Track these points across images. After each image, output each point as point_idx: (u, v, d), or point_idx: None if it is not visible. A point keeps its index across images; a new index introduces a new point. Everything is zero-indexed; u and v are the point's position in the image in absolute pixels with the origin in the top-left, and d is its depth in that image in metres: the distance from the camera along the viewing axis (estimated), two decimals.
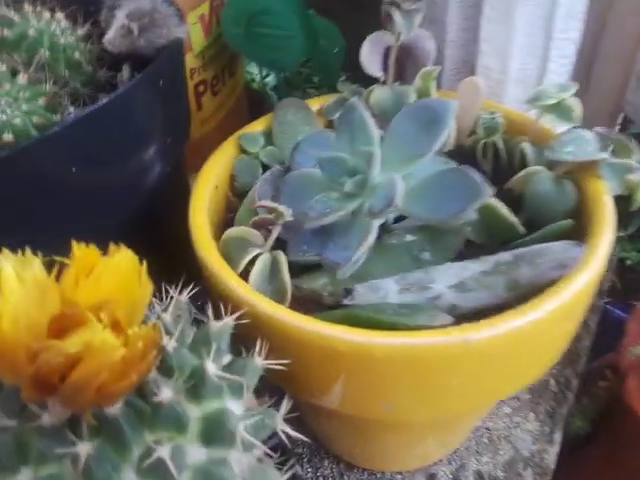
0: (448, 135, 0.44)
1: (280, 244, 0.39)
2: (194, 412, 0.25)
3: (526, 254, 0.33)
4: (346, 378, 0.32)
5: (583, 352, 0.58)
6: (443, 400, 0.32)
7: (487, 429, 0.50)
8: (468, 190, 0.35)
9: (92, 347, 0.19)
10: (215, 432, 0.24)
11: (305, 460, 0.49)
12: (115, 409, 0.23)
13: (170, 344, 0.25)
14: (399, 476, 0.47)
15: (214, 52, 0.64)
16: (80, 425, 0.22)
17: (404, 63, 0.49)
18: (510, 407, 0.52)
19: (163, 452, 0.22)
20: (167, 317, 0.27)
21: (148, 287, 0.24)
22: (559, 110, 0.40)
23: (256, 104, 0.78)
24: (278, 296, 0.36)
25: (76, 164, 0.34)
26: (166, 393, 0.23)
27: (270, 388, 0.38)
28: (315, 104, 0.49)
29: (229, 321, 0.29)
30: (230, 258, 0.37)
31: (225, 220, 0.43)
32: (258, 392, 0.31)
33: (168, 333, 0.27)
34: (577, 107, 0.40)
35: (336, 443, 0.48)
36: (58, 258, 0.23)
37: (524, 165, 0.41)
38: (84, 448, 0.22)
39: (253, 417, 0.26)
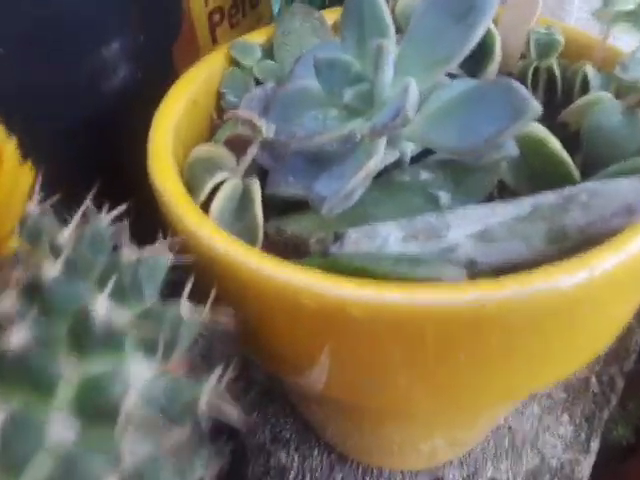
0: (491, 58, 0.35)
1: (266, 177, 0.32)
2: (72, 370, 0.17)
3: (579, 193, 0.24)
4: (319, 347, 0.24)
5: (633, 348, 0.49)
6: (447, 384, 0.24)
7: (509, 429, 0.42)
8: (508, 107, 0.26)
9: None
10: (92, 402, 0.17)
11: (292, 447, 0.42)
12: None
13: (49, 269, 0.18)
14: (399, 475, 0.39)
15: None
16: None
17: None
18: (540, 406, 0.43)
19: None
20: (62, 236, 0.19)
21: (19, 178, 0.17)
22: (638, 18, 0.30)
23: None
24: (247, 237, 0.28)
25: (3, 44, 0.26)
26: (17, 336, 0.16)
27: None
28: (331, 16, 0.40)
29: (157, 250, 0.21)
30: (193, 184, 0.29)
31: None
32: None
33: (56, 256, 0.19)
34: None
35: (329, 431, 0.40)
36: None
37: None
38: None
39: (159, 384, 0.18)
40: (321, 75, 0.29)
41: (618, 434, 0.52)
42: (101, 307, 0.17)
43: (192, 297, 0.23)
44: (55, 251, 0.19)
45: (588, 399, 0.45)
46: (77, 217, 0.20)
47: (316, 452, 0.41)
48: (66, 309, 0.18)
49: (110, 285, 0.18)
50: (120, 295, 0.19)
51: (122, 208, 0.22)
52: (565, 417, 0.44)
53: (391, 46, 0.26)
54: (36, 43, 0.28)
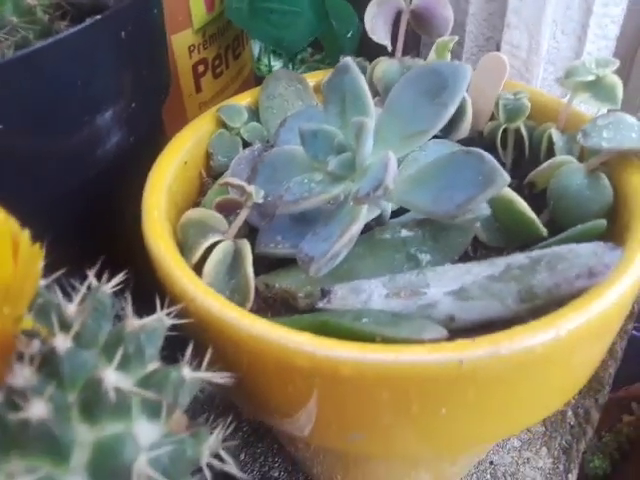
0: (462, 118, 0.38)
1: (253, 235, 0.33)
2: (85, 435, 0.19)
3: (545, 257, 0.26)
4: (309, 400, 0.25)
5: (607, 381, 0.51)
6: (429, 435, 0.26)
7: (491, 463, 0.44)
8: (479, 176, 0.28)
9: None
10: (106, 465, 0.18)
11: None
12: None
13: (61, 343, 0.19)
14: None
15: (217, 30, 0.59)
16: None
17: (418, 38, 0.42)
18: (520, 440, 0.45)
19: None
20: (70, 308, 0.21)
21: (32, 265, 0.18)
22: (597, 88, 0.33)
23: None
24: (239, 294, 0.30)
25: (3, 120, 0.28)
26: (37, 408, 0.17)
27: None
28: (313, 79, 0.43)
29: (157, 318, 0.23)
30: (186, 246, 0.31)
31: (195, 204, 0.37)
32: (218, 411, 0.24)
33: (66, 329, 0.20)
34: (618, 85, 0.33)
35: (315, 469, 0.41)
36: None
37: (551, 156, 0.35)
38: None
39: (167, 446, 0.19)
40: (306, 143, 0.31)
41: (595, 465, 0.53)
42: (110, 376, 0.19)
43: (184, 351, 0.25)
44: (64, 324, 0.20)
45: (565, 431, 0.47)
46: (82, 291, 0.22)
47: None
48: (78, 378, 0.19)
49: (118, 355, 0.20)
50: (124, 362, 0.21)
51: (121, 277, 0.24)
52: (544, 450, 0.46)
53: (371, 122, 0.28)
54: (34, 116, 0.29)
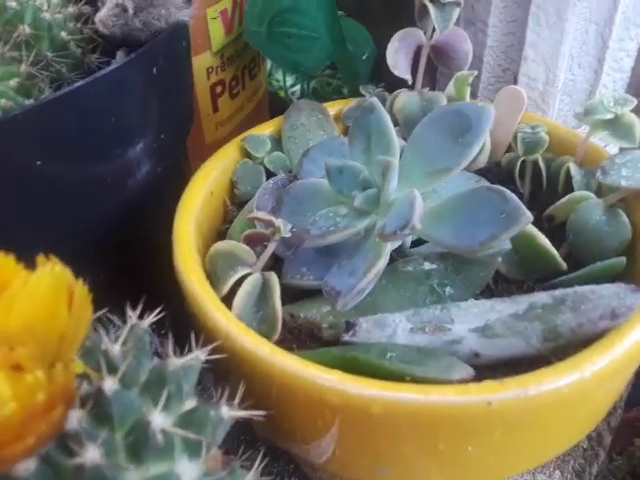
0: (481, 149, 0.39)
1: (278, 265, 0.34)
2: (132, 475, 0.19)
3: (569, 297, 0.27)
4: (337, 434, 0.26)
5: (619, 404, 0.51)
6: (455, 470, 0.26)
7: None
8: (502, 214, 0.29)
9: None
10: None
11: None
12: (23, 469, 0.18)
13: (110, 386, 0.20)
14: None
15: (234, 52, 0.60)
16: None
17: (434, 67, 0.43)
18: None
19: None
20: (115, 349, 0.22)
21: (84, 313, 0.19)
22: (615, 127, 0.34)
23: (281, 113, 0.74)
24: (266, 326, 0.30)
25: (40, 157, 0.29)
26: (91, 453, 0.18)
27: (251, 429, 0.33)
28: (334, 108, 0.44)
29: (195, 357, 0.23)
30: (215, 277, 0.32)
31: (220, 232, 0.38)
32: (235, 435, 0.25)
33: (113, 370, 0.21)
34: (637, 124, 0.34)
35: None
36: None
37: (569, 189, 0.35)
38: None
39: None
40: (332, 178, 0.32)
41: None
42: (157, 419, 0.20)
43: (215, 384, 0.25)
44: (110, 366, 0.21)
45: (578, 455, 0.47)
46: (127, 331, 0.23)
47: None
48: (126, 420, 0.20)
49: (164, 397, 0.20)
50: (166, 401, 0.22)
51: (160, 314, 0.25)
52: (557, 473, 0.46)
53: (396, 161, 0.29)
54: (70, 150, 0.30)
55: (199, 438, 0.21)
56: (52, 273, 0.18)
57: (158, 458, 0.20)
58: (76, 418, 0.19)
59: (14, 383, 0.15)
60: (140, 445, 0.20)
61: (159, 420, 0.20)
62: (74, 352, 0.19)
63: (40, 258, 0.18)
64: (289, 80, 0.84)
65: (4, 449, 0.15)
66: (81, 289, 0.19)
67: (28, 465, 0.17)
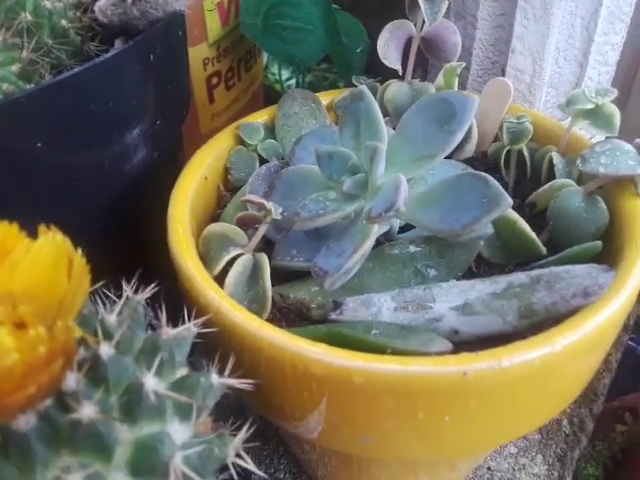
0: (468, 139, 0.40)
1: (269, 247, 0.35)
2: (126, 434, 0.21)
3: (544, 276, 0.28)
4: (322, 406, 0.27)
5: (601, 391, 0.53)
6: (433, 440, 0.28)
7: (488, 469, 0.46)
8: (484, 199, 0.30)
9: None
10: (146, 461, 0.20)
11: None
12: (24, 423, 0.19)
13: (106, 350, 0.21)
14: None
15: (230, 43, 0.61)
16: None
17: (426, 60, 0.45)
18: (516, 447, 0.47)
19: None
20: (110, 318, 0.23)
21: (82, 281, 0.20)
22: (596, 116, 0.35)
23: None
24: (257, 304, 0.32)
25: (41, 139, 0.30)
26: (87, 409, 0.19)
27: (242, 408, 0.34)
28: (326, 98, 0.45)
29: (188, 328, 0.25)
30: (208, 258, 0.33)
31: (214, 216, 0.39)
32: (226, 413, 0.26)
33: (109, 337, 0.22)
34: (616, 114, 0.35)
35: (320, 471, 0.43)
36: None
37: (552, 178, 0.37)
38: None
39: (197, 446, 0.21)
40: (322, 163, 0.33)
41: (588, 472, 0.55)
42: (150, 381, 0.21)
43: (206, 357, 0.27)
44: (106, 333, 0.23)
45: (560, 440, 0.49)
46: (122, 302, 0.24)
47: None
48: (121, 383, 0.21)
49: (157, 362, 0.22)
50: (159, 368, 0.23)
51: (154, 289, 0.26)
52: (539, 457, 0.48)
53: (383, 146, 0.30)
54: (69, 134, 0.31)
55: (190, 401, 0.22)
56: (53, 241, 0.19)
57: (151, 419, 0.21)
58: (73, 379, 0.20)
59: (17, 337, 0.16)
60: (133, 405, 0.21)
61: (152, 382, 0.21)
62: (72, 317, 0.20)
63: (41, 227, 0.20)
64: (285, 74, 0.85)
65: (7, 398, 0.16)
66: (79, 258, 0.20)
67: (29, 419, 0.19)
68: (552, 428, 0.49)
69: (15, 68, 0.33)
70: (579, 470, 0.52)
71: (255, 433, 0.49)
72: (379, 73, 0.48)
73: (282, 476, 0.45)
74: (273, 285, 0.33)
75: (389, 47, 0.40)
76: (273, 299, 0.33)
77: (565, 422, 0.50)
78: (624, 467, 0.53)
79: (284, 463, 0.46)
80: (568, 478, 0.47)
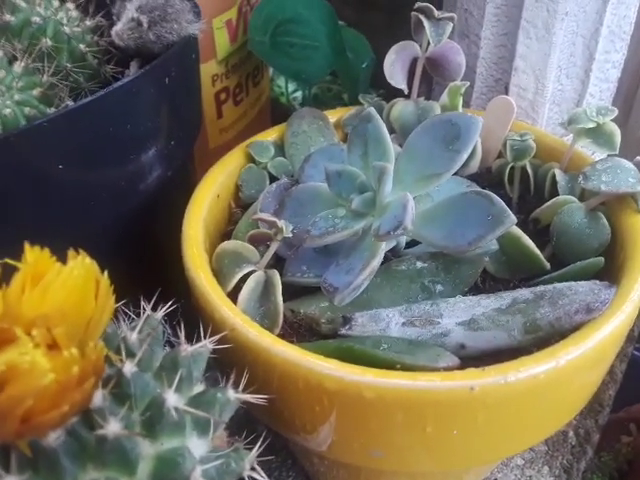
0: (473, 156, 0.41)
1: (280, 264, 0.36)
2: (147, 449, 0.22)
3: (548, 293, 0.29)
4: (333, 419, 0.28)
5: (606, 402, 0.54)
6: (442, 452, 0.29)
7: None
8: (489, 216, 0.31)
9: (17, 369, 0.17)
10: (167, 475, 0.21)
11: None
12: (54, 439, 0.20)
13: (129, 368, 0.22)
14: None
15: (239, 60, 0.62)
16: (9, 456, 0.19)
17: (431, 77, 0.46)
18: (523, 458, 0.48)
19: None
20: (132, 336, 0.24)
21: (108, 301, 0.21)
22: (597, 135, 0.36)
23: (283, 119, 0.76)
24: (269, 320, 0.33)
25: (62, 161, 0.31)
26: (113, 426, 0.20)
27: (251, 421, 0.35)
28: (334, 116, 0.46)
29: (204, 345, 0.26)
30: (222, 274, 0.34)
31: (225, 233, 0.41)
32: (236, 426, 0.27)
33: (131, 355, 0.23)
34: (617, 133, 0.36)
35: None
36: (12, 262, 0.21)
37: (555, 194, 0.38)
38: None
39: (215, 460, 0.22)
40: (331, 182, 0.34)
41: None
42: (172, 397, 0.22)
43: (221, 372, 0.28)
44: (128, 351, 0.24)
45: (566, 451, 0.49)
46: (142, 321, 0.25)
47: None
48: (143, 399, 0.22)
49: (177, 378, 0.23)
50: (178, 384, 0.24)
51: (172, 306, 0.27)
52: (545, 468, 0.48)
53: (391, 166, 0.31)
54: (89, 155, 0.33)
55: (208, 416, 0.23)
56: (82, 264, 0.20)
57: (171, 434, 0.22)
58: (100, 396, 0.21)
59: (51, 358, 0.17)
60: (155, 421, 0.22)
61: (173, 398, 0.22)
62: (99, 336, 0.21)
63: (71, 252, 0.21)
64: (291, 87, 0.86)
65: (42, 416, 0.17)
66: (105, 280, 0.21)
67: (58, 435, 0.20)
68: (558, 439, 0.50)
69: (36, 92, 0.34)
70: None
71: (264, 446, 0.50)
72: (383, 87, 0.50)
73: None
74: (284, 301, 0.34)
75: (395, 67, 0.41)
76: (284, 314, 0.34)
77: (571, 433, 0.51)
78: (630, 478, 0.54)
79: (292, 475, 0.47)
80: None
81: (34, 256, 0.20)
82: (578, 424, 0.51)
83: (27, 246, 0.20)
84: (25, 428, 0.17)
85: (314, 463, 0.41)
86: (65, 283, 0.20)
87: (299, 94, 0.85)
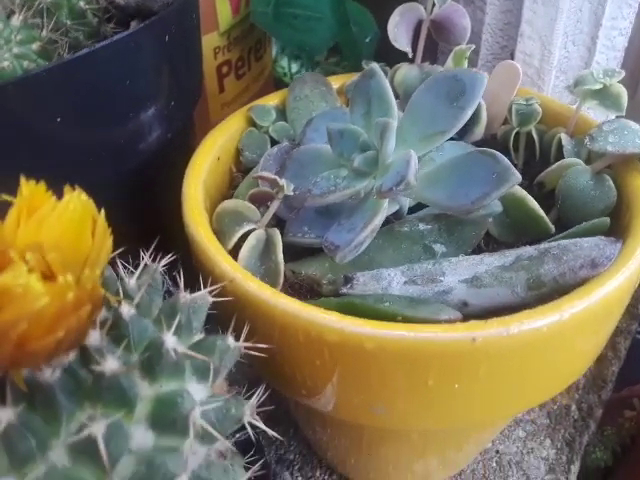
0: (478, 122, 0.41)
1: (280, 226, 0.36)
2: (146, 390, 0.21)
3: (552, 249, 0.29)
4: (334, 374, 0.28)
5: (610, 378, 0.54)
6: (443, 407, 0.28)
7: (497, 452, 0.46)
8: (493, 174, 0.30)
9: (11, 292, 0.16)
10: (166, 416, 0.21)
11: (296, 468, 0.45)
12: (50, 375, 0.20)
13: (127, 310, 0.22)
14: None
15: (241, 33, 0.61)
16: (5, 390, 0.19)
17: (435, 45, 0.45)
18: (525, 431, 0.48)
19: (96, 430, 0.19)
20: (131, 282, 0.24)
21: (105, 240, 0.21)
22: (603, 96, 0.35)
23: None
24: (269, 278, 0.32)
25: (61, 114, 0.31)
26: (110, 363, 0.20)
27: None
28: (337, 82, 0.46)
29: (203, 295, 0.25)
30: (222, 233, 0.33)
31: (226, 196, 0.40)
32: (239, 384, 0.27)
33: (129, 299, 0.23)
34: (624, 94, 0.35)
35: (330, 452, 0.44)
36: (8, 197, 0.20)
37: (560, 158, 0.37)
38: (4, 414, 0.18)
39: (215, 403, 0.22)
40: (333, 141, 0.34)
41: (597, 457, 0.55)
42: (170, 339, 0.22)
43: (221, 328, 0.27)
44: (126, 295, 0.23)
45: (569, 425, 0.49)
46: (141, 269, 0.25)
47: (318, 473, 0.45)
48: (141, 341, 0.22)
49: (176, 322, 0.22)
50: (177, 330, 0.24)
51: (171, 258, 0.27)
52: (548, 441, 0.48)
53: (394, 122, 0.31)
54: (87, 110, 0.32)
55: (207, 360, 0.23)
56: (78, 199, 0.20)
57: (170, 377, 0.22)
58: (97, 335, 0.21)
59: (46, 284, 0.17)
60: (154, 363, 0.22)
61: (172, 340, 0.22)
62: (95, 272, 0.21)
63: (67, 188, 0.20)
64: (294, 67, 0.85)
65: (38, 341, 0.17)
66: (102, 219, 0.21)
67: (54, 371, 0.19)
68: (561, 413, 0.50)
69: (35, 46, 0.33)
70: (587, 455, 0.53)
71: (265, 416, 0.50)
72: (388, 63, 0.49)
73: (292, 457, 0.46)
74: (285, 262, 0.33)
75: (399, 30, 0.40)
76: (285, 275, 0.33)
77: (574, 407, 0.51)
78: (632, 451, 0.54)
79: (294, 445, 0.47)
80: (576, 462, 0.47)
81: (29, 190, 0.20)
82: (581, 398, 0.51)
83: (22, 180, 0.20)
84: (20, 354, 0.17)
85: (317, 431, 0.41)
86: (60, 216, 0.19)
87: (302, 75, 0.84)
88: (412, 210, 0.37)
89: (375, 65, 0.33)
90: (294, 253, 0.35)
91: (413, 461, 0.40)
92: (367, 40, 0.60)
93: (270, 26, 0.57)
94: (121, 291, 0.23)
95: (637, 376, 0.60)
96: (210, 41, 0.57)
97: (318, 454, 0.46)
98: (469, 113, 0.31)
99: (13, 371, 0.19)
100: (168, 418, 0.21)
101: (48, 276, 0.18)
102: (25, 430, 0.19)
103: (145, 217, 0.38)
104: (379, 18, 0.59)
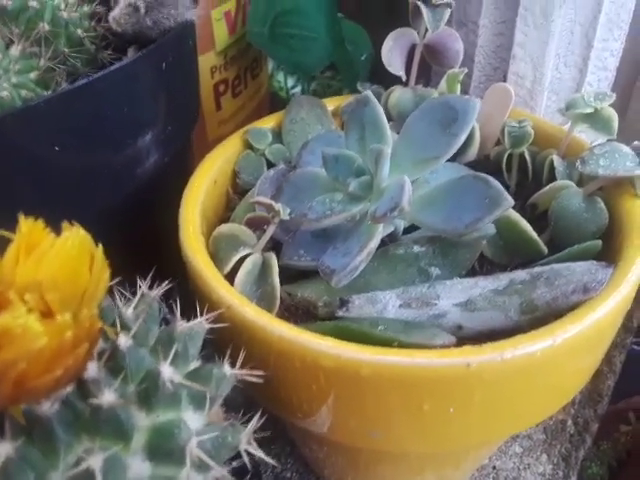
0: (471, 143, 0.41)
1: (277, 249, 0.36)
2: (142, 421, 0.22)
3: (545, 273, 0.29)
4: (330, 398, 0.28)
5: (605, 392, 0.54)
6: (439, 431, 0.29)
7: (494, 468, 0.46)
8: (486, 199, 0.31)
9: (10, 333, 0.17)
10: (163, 446, 0.21)
11: None
12: (48, 408, 0.20)
13: (124, 341, 0.22)
14: None
15: (237, 52, 0.62)
16: (3, 424, 0.19)
17: (429, 67, 0.46)
18: (521, 446, 0.48)
19: (93, 463, 0.19)
20: (128, 312, 0.24)
21: (102, 274, 0.21)
22: (595, 120, 0.36)
23: None
24: (266, 302, 0.33)
25: (59, 143, 0.31)
26: (108, 396, 0.20)
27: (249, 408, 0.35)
28: (332, 104, 0.46)
29: (200, 322, 0.26)
30: (218, 257, 0.34)
31: (223, 219, 0.40)
32: (235, 409, 0.27)
33: (126, 329, 0.23)
34: (614, 118, 0.36)
35: (327, 470, 0.44)
36: (6, 233, 0.21)
37: (553, 180, 0.38)
38: (3, 449, 0.19)
39: (212, 433, 0.22)
40: (328, 166, 0.34)
41: (593, 472, 0.55)
42: (167, 370, 0.22)
43: (217, 352, 0.28)
44: (124, 325, 0.24)
45: (565, 440, 0.49)
46: (138, 297, 0.25)
47: None
48: (138, 372, 0.22)
49: (172, 352, 0.23)
50: (174, 359, 0.24)
51: (168, 285, 0.27)
52: (544, 457, 0.48)
53: (388, 149, 0.31)
54: (85, 139, 0.33)
55: (204, 390, 0.23)
56: (77, 235, 0.20)
57: (166, 407, 0.22)
58: (94, 367, 0.21)
59: (45, 323, 0.17)
60: (151, 394, 0.22)
61: (168, 371, 0.22)
62: (95, 308, 0.21)
63: (65, 224, 0.21)
64: (290, 82, 0.86)
65: (36, 380, 0.17)
66: (100, 253, 0.21)
67: (52, 404, 0.20)
68: (557, 428, 0.50)
69: (33, 75, 0.34)
70: (584, 470, 0.53)
71: (262, 434, 0.50)
72: (383, 81, 0.50)
73: (289, 475, 0.46)
74: (281, 284, 0.33)
75: (393, 54, 0.41)
76: (281, 298, 0.34)
77: (570, 422, 0.51)
78: (628, 466, 0.54)
79: (291, 462, 0.47)
80: (573, 477, 0.47)
81: (28, 227, 0.20)
82: (577, 413, 0.51)
83: (21, 217, 0.20)
84: (19, 392, 0.17)
85: (313, 449, 0.41)
86: (59, 253, 0.19)
87: (298, 89, 0.85)
88: (407, 230, 0.38)
89: (369, 92, 0.34)
90: (290, 275, 0.35)
91: (411, 478, 0.40)
92: (362, 58, 0.61)
93: (266, 46, 0.58)
94: (118, 322, 0.23)
95: (633, 389, 0.60)
96: (207, 60, 0.57)
97: (315, 472, 0.46)
98: (462, 139, 0.32)
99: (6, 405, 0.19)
100: (165, 448, 0.21)
101: (46, 314, 0.18)
102: (24, 464, 0.19)
103: (142, 240, 0.38)
104: (374, 36, 0.59)
